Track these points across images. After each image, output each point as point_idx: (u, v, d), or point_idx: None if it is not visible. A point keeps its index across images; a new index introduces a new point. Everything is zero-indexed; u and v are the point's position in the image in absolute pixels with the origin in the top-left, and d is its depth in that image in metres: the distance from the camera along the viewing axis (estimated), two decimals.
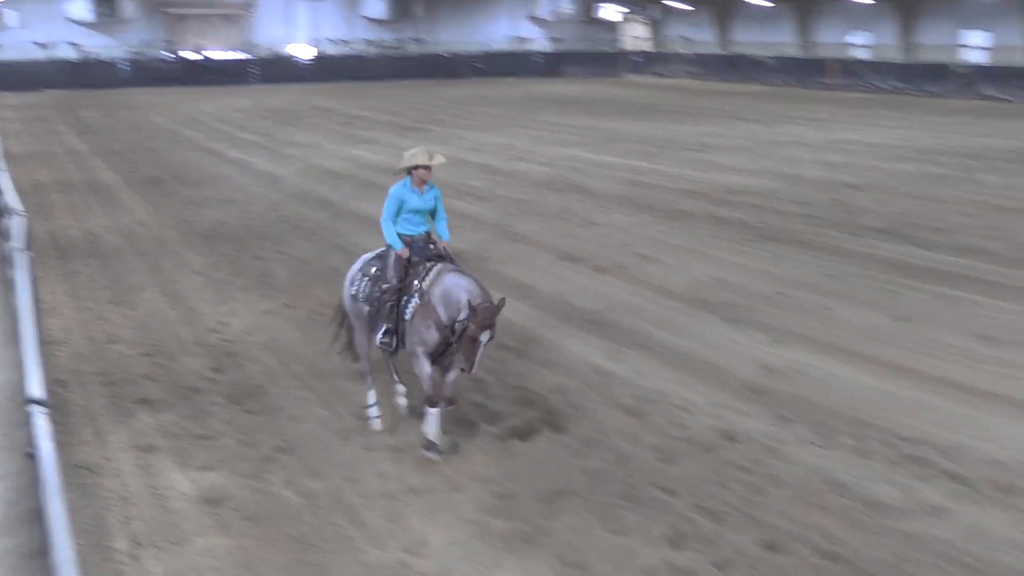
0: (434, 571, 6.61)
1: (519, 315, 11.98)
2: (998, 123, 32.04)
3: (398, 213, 8.51)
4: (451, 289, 7.97)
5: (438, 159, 8.51)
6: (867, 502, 7.44)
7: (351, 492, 7.67)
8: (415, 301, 8.17)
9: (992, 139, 28.13)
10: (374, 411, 8.86)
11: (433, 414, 8.15)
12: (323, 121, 34.90)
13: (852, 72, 46.35)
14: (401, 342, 8.41)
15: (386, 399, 8.98)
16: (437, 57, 56.27)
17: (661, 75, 55.31)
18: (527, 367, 10.27)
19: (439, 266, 8.26)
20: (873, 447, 8.38)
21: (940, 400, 9.36)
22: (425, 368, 8.17)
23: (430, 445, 8.14)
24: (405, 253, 8.42)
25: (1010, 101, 38.54)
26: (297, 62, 54.78)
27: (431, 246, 8.57)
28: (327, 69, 53.73)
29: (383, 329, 8.43)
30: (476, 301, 7.72)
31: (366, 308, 8.64)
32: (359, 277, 8.83)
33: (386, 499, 7.56)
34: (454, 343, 7.92)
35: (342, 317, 9.28)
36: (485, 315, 7.66)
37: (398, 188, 8.52)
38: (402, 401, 9.07)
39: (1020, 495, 7.53)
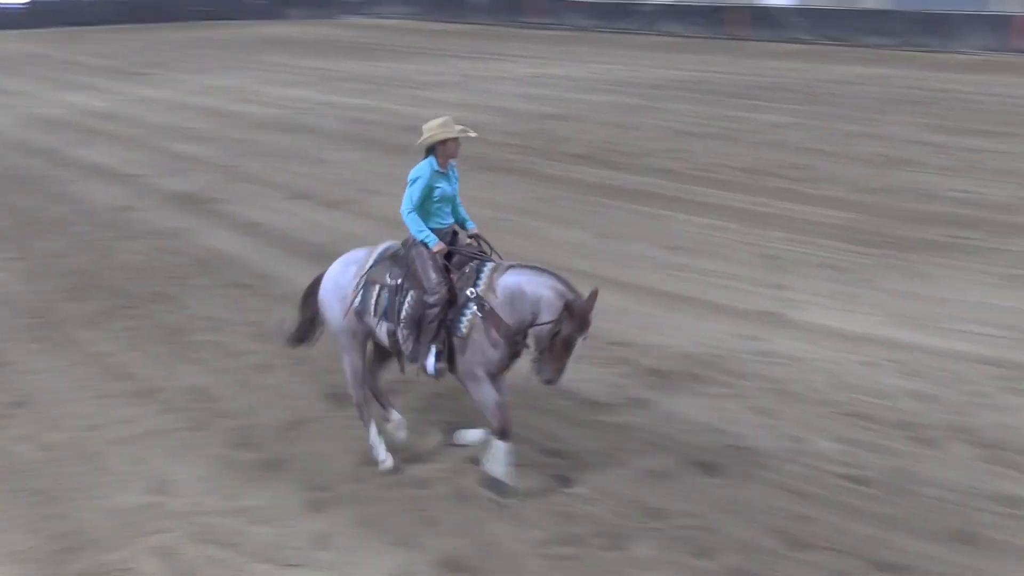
0: (183, 507, 6.35)
1: (252, 253, 11.76)
2: (678, 56, 33.71)
3: (424, 203, 6.60)
4: (520, 289, 6.24)
5: (470, 131, 6.83)
6: (582, 401, 7.77)
7: (93, 440, 7.21)
8: (471, 312, 6.31)
9: (673, 71, 29.60)
10: (381, 452, 6.82)
11: (502, 448, 6.39)
12: (37, 68, 32.03)
13: (551, 11, 47.39)
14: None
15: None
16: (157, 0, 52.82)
17: (378, 16, 54.44)
18: (263, 303, 9.93)
19: (489, 265, 6.47)
20: (584, 352, 8.68)
21: (640, 305, 9.87)
22: (491, 393, 6.38)
23: (501, 488, 6.38)
24: (444, 248, 6.49)
25: (687, 36, 40.69)
26: (6, 8, 49.91)
27: (470, 241, 6.76)
28: (41, 15, 49.20)
29: (434, 352, 6.42)
30: (567, 296, 6.12)
31: (385, 325, 6.58)
32: (365, 286, 6.62)
33: (129, 443, 7.16)
34: (527, 351, 6.37)
35: (310, 322, 7.12)
36: (583, 312, 6.10)
37: (426, 171, 6.59)
38: (402, 434, 7.03)
39: (707, 383, 8.09)
